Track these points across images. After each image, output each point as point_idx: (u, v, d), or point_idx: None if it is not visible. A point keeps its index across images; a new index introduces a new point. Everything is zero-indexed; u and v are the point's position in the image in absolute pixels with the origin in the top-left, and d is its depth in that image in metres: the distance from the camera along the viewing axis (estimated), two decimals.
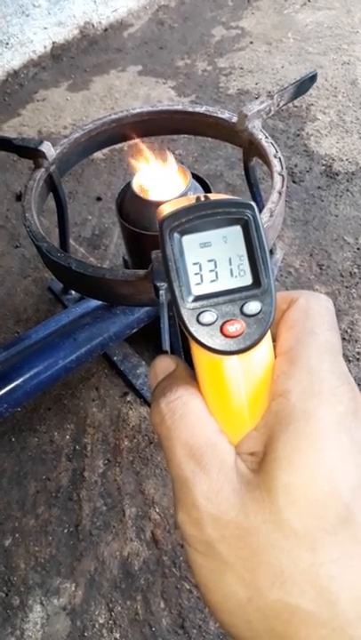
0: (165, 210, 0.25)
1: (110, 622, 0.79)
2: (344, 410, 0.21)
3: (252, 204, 0.23)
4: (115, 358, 1.05)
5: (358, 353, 1.04)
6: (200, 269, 0.23)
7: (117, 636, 0.77)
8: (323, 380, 0.21)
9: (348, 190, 1.37)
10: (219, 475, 0.21)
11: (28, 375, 0.87)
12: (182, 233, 0.23)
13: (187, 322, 0.23)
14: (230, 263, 0.23)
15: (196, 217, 0.23)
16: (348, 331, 1.08)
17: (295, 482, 0.19)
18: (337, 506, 0.19)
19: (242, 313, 0.23)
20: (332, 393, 0.21)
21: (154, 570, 0.82)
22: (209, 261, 0.23)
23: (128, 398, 1.02)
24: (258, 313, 0.23)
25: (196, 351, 0.24)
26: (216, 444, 0.22)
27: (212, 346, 0.22)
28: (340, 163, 1.44)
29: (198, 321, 0.23)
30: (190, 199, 0.24)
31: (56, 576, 0.83)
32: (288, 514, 0.19)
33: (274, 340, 0.25)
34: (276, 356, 0.24)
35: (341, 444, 0.20)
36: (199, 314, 0.23)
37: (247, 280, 0.23)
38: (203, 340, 0.23)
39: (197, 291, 0.23)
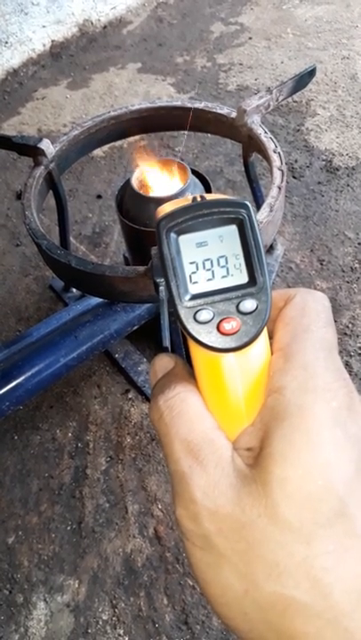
0: (163, 211, 0.25)
1: (114, 619, 0.79)
2: (338, 405, 0.21)
3: (248, 203, 0.24)
4: (116, 356, 1.05)
5: (360, 348, 1.04)
6: (197, 268, 0.24)
7: (121, 632, 0.78)
8: (318, 375, 0.21)
9: (348, 185, 1.36)
10: (216, 469, 0.21)
11: (29, 373, 0.87)
12: (179, 233, 0.24)
13: (184, 320, 0.23)
14: (226, 262, 0.24)
15: (193, 217, 0.23)
16: (350, 326, 1.08)
17: (290, 476, 0.20)
18: (331, 499, 0.19)
19: (238, 311, 0.23)
20: (326, 389, 0.21)
21: (157, 566, 0.83)
22: (205, 260, 0.24)
23: (130, 395, 1.02)
24: (254, 311, 0.23)
25: (194, 349, 0.24)
26: (213, 440, 0.22)
27: (209, 343, 0.23)
28: (340, 158, 1.44)
29: (195, 319, 0.23)
30: (187, 200, 0.24)
31: (59, 573, 0.84)
32: (283, 507, 0.19)
33: (271, 337, 0.25)
34: (272, 353, 0.24)
35: (336, 438, 0.20)
36: (196, 312, 0.23)
37: (243, 278, 0.24)
38: (200, 338, 0.23)
39: (194, 289, 0.24)
